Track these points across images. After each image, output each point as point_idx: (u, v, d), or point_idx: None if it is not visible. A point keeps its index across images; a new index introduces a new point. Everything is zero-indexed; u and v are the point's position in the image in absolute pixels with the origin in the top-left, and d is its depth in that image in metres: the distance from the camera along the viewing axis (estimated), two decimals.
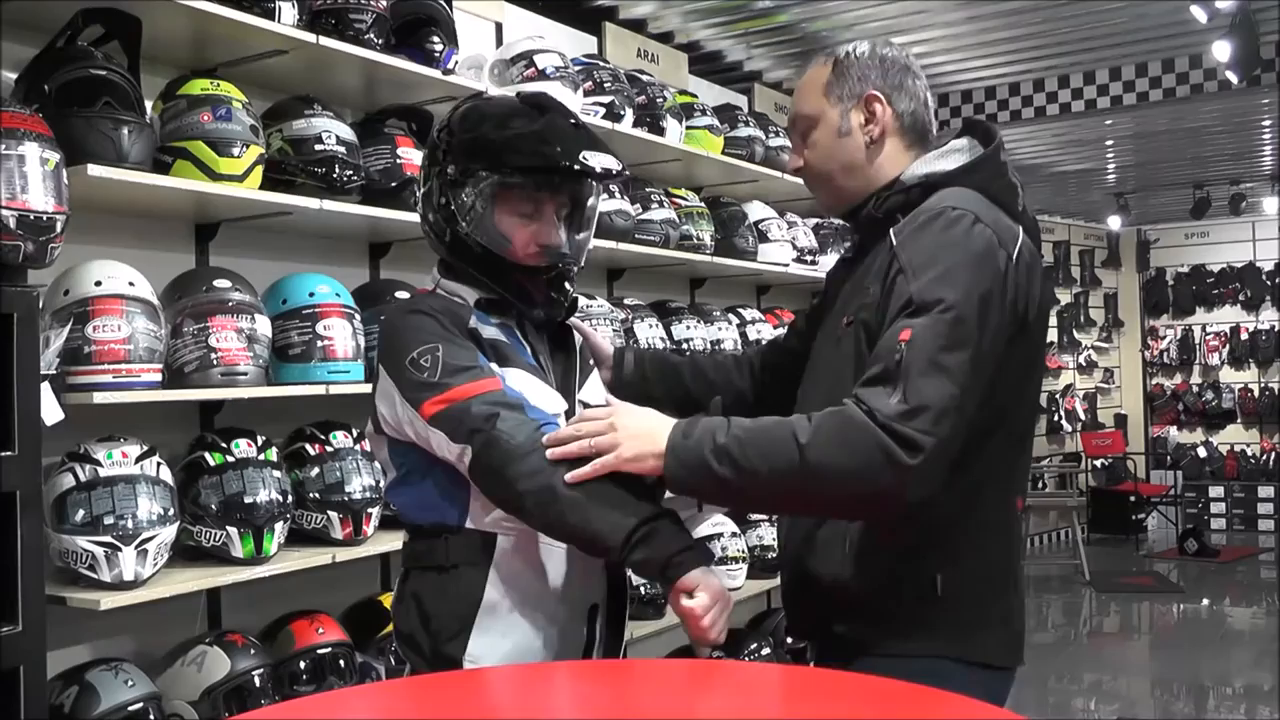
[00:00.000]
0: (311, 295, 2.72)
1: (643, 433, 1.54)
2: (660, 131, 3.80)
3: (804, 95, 1.79)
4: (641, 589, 3.39)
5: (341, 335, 2.69)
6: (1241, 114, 6.82)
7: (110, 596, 2.25)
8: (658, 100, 3.83)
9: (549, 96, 1.81)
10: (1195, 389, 10.91)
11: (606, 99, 3.57)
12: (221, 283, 2.56)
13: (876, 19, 5.01)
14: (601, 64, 3.71)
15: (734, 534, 3.78)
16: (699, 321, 4.01)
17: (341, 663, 2.68)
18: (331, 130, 2.74)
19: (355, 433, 2.81)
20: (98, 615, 2.25)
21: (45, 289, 2.29)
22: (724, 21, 4.96)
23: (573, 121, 1.77)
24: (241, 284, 2.60)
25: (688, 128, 3.98)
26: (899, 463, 1.44)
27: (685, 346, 3.87)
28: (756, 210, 4.41)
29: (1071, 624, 7.62)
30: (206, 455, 2.55)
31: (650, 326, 3.75)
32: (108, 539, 2.26)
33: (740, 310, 4.34)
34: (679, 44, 4.94)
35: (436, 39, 3.00)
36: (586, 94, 3.50)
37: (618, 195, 3.63)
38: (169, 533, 2.36)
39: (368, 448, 2.78)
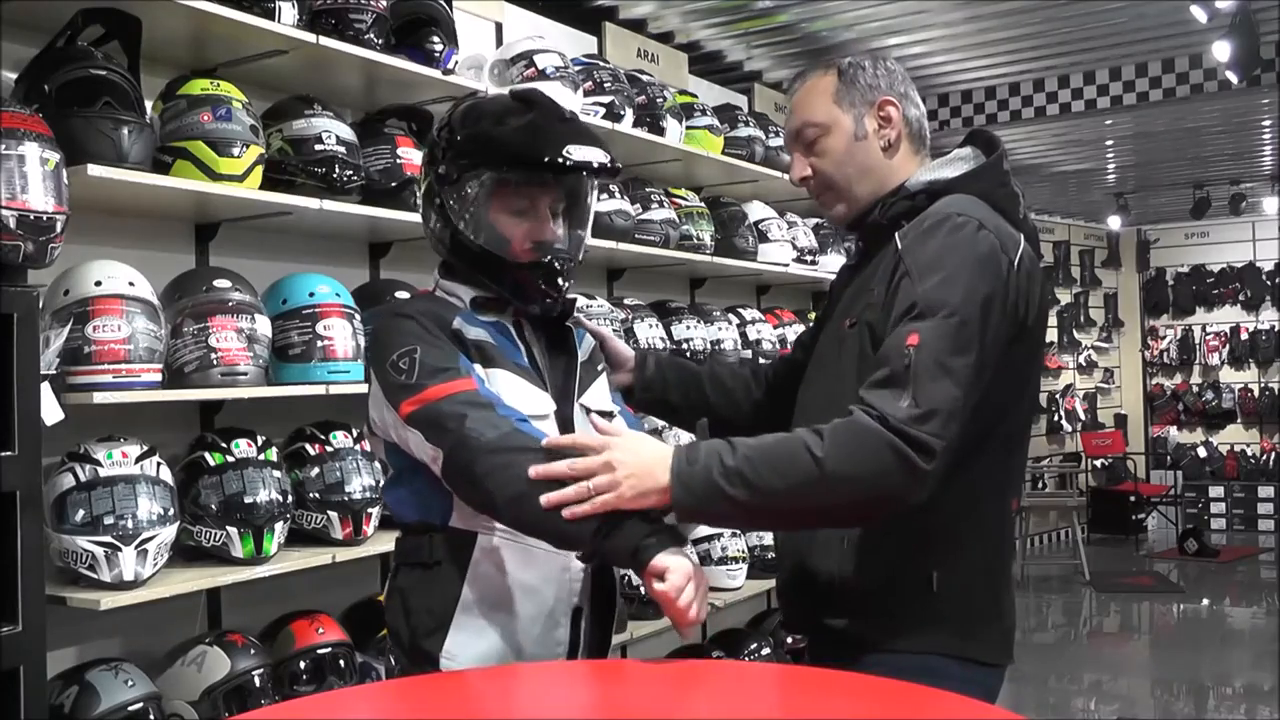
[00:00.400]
0: (311, 295, 2.72)
1: (642, 470, 1.50)
2: (660, 131, 3.80)
3: (810, 104, 1.79)
4: (641, 589, 3.38)
5: (341, 335, 2.69)
6: (1241, 114, 6.82)
7: (110, 596, 2.25)
8: (658, 100, 3.83)
9: (540, 92, 1.81)
10: (1195, 389, 10.90)
11: (606, 99, 3.57)
12: (221, 283, 2.56)
13: (876, 19, 5.01)
14: (601, 64, 3.71)
15: (734, 534, 3.78)
16: (699, 321, 4.01)
17: (341, 663, 2.68)
18: (331, 130, 2.74)
19: (355, 433, 2.81)
20: (98, 615, 2.25)
21: (45, 289, 2.29)
22: (724, 21, 4.96)
23: (562, 116, 1.76)
24: (241, 284, 2.60)
25: (688, 128, 3.98)
26: (914, 467, 1.46)
27: (685, 346, 3.87)
28: (756, 210, 4.41)
29: (1071, 624, 7.62)
30: (206, 455, 2.55)
31: (650, 326, 3.75)
32: (108, 539, 2.26)
33: (740, 310, 4.34)
34: (679, 44, 4.94)
35: (436, 39, 3.00)
36: (586, 94, 3.50)
37: (617, 195, 3.63)
38: (169, 533, 2.36)
39: (368, 448, 2.78)
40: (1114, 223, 10.41)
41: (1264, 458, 10.51)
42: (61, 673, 2.34)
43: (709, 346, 3.96)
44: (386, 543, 2.74)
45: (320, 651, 2.65)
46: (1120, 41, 5.61)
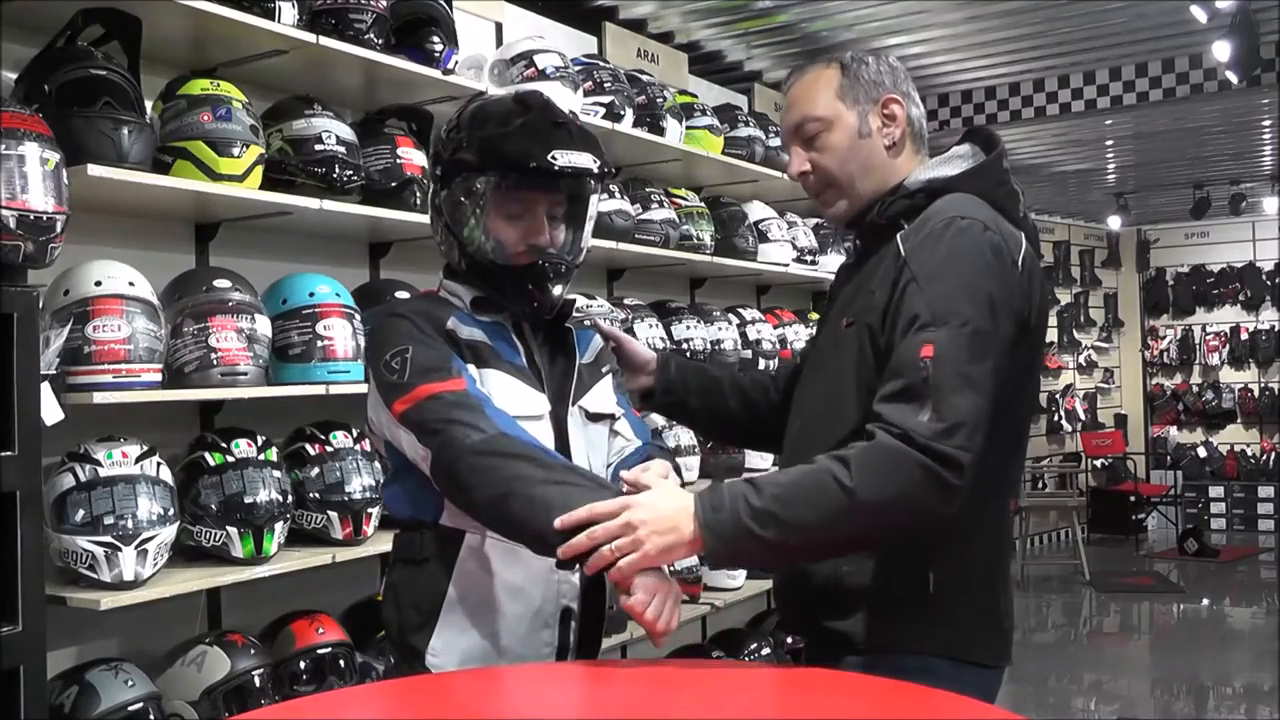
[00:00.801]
0: (311, 295, 2.72)
1: (665, 526, 1.47)
2: (660, 131, 3.80)
3: (812, 99, 1.76)
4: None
5: (341, 335, 2.69)
6: (1241, 114, 6.82)
7: (110, 596, 2.25)
8: (658, 100, 3.83)
9: (539, 95, 1.80)
10: (1195, 389, 10.91)
11: (606, 99, 3.57)
12: (221, 283, 2.56)
13: (876, 19, 5.01)
14: (601, 64, 3.71)
15: None
16: (699, 321, 4.01)
17: (341, 663, 2.68)
18: (331, 130, 2.74)
19: (355, 433, 2.81)
20: (98, 615, 2.25)
21: (45, 289, 2.29)
22: (724, 21, 4.96)
23: (556, 120, 1.75)
24: (241, 284, 2.60)
25: (688, 128, 3.98)
26: (945, 483, 1.45)
27: (685, 347, 3.87)
28: (756, 210, 4.41)
29: (1071, 624, 7.62)
30: (206, 455, 2.55)
31: (650, 326, 3.75)
32: (108, 539, 2.26)
33: (740, 310, 4.34)
34: (679, 44, 4.94)
35: (436, 39, 3.00)
36: (586, 94, 3.50)
37: (617, 195, 3.63)
38: (169, 533, 2.36)
39: (368, 448, 2.79)
40: (1114, 223, 10.41)
41: (1264, 458, 10.51)
42: (61, 673, 2.34)
43: (709, 346, 3.96)
44: (386, 543, 2.72)
45: (320, 651, 2.65)
46: (1120, 41, 5.61)
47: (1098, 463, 10.50)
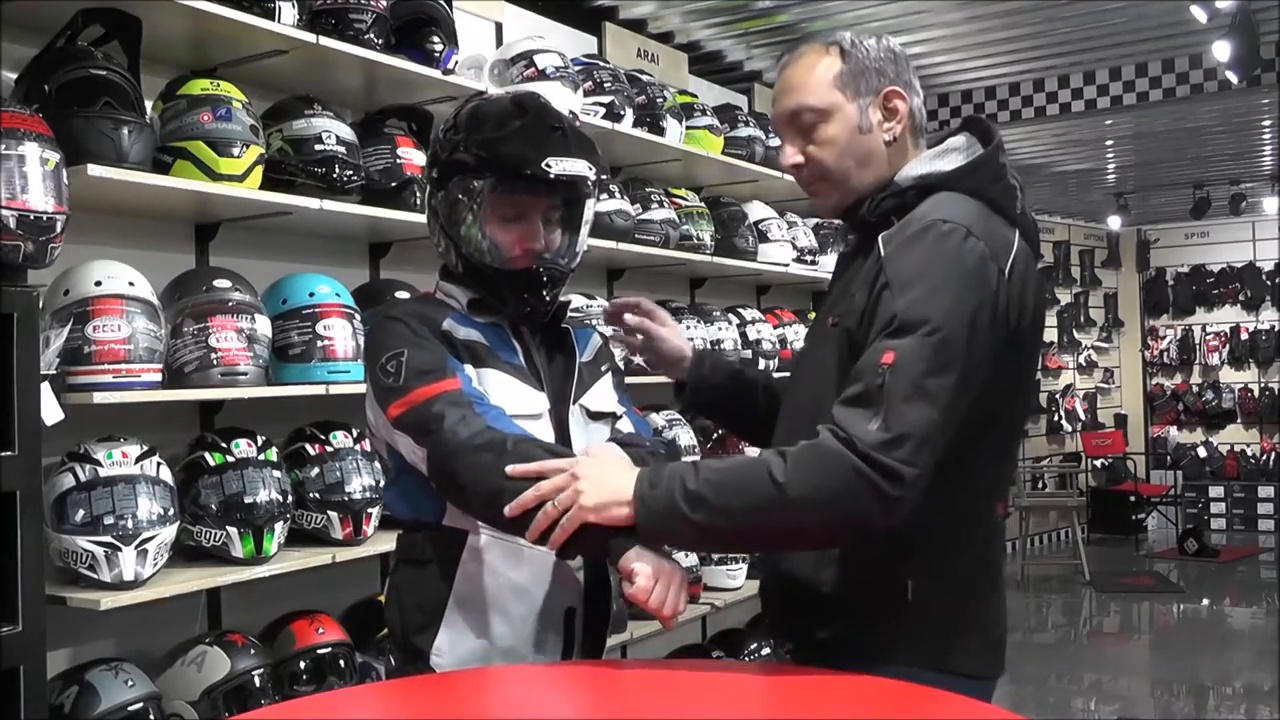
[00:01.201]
0: (311, 295, 2.72)
1: (606, 481, 1.48)
2: (660, 131, 3.80)
3: (809, 86, 1.65)
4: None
5: (341, 335, 2.69)
6: (1241, 114, 6.82)
7: (110, 596, 2.25)
8: (658, 100, 3.83)
9: (536, 97, 1.79)
10: (1195, 389, 10.91)
11: (606, 99, 3.57)
12: (221, 283, 2.56)
13: (876, 19, 5.01)
14: (601, 64, 3.71)
15: None
16: (699, 321, 4.01)
17: (341, 663, 2.68)
18: (331, 130, 2.74)
19: (355, 433, 2.81)
20: (98, 615, 2.25)
21: (45, 289, 2.29)
22: (724, 21, 4.96)
23: (552, 124, 1.73)
24: (241, 284, 2.60)
25: (688, 128, 3.98)
26: (882, 494, 1.39)
27: None
28: (756, 210, 4.41)
29: (1071, 624, 7.62)
30: (206, 455, 2.55)
31: None
32: (108, 539, 2.26)
33: (740, 310, 4.34)
34: (679, 44, 4.94)
35: (436, 39, 3.00)
36: (586, 94, 3.50)
37: (617, 195, 3.63)
38: (169, 533, 2.36)
39: (368, 448, 2.79)
40: (1114, 223, 10.41)
41: (1264, 458, 10.51)
42: (61, 673, 2.35)
43: (709, 347, 3.96)
44: (386, 543, 2.75)
45: (320, 651, 2.65)
46: (1120, 41, 5.61)
47: (1098, 463, 10.50)
